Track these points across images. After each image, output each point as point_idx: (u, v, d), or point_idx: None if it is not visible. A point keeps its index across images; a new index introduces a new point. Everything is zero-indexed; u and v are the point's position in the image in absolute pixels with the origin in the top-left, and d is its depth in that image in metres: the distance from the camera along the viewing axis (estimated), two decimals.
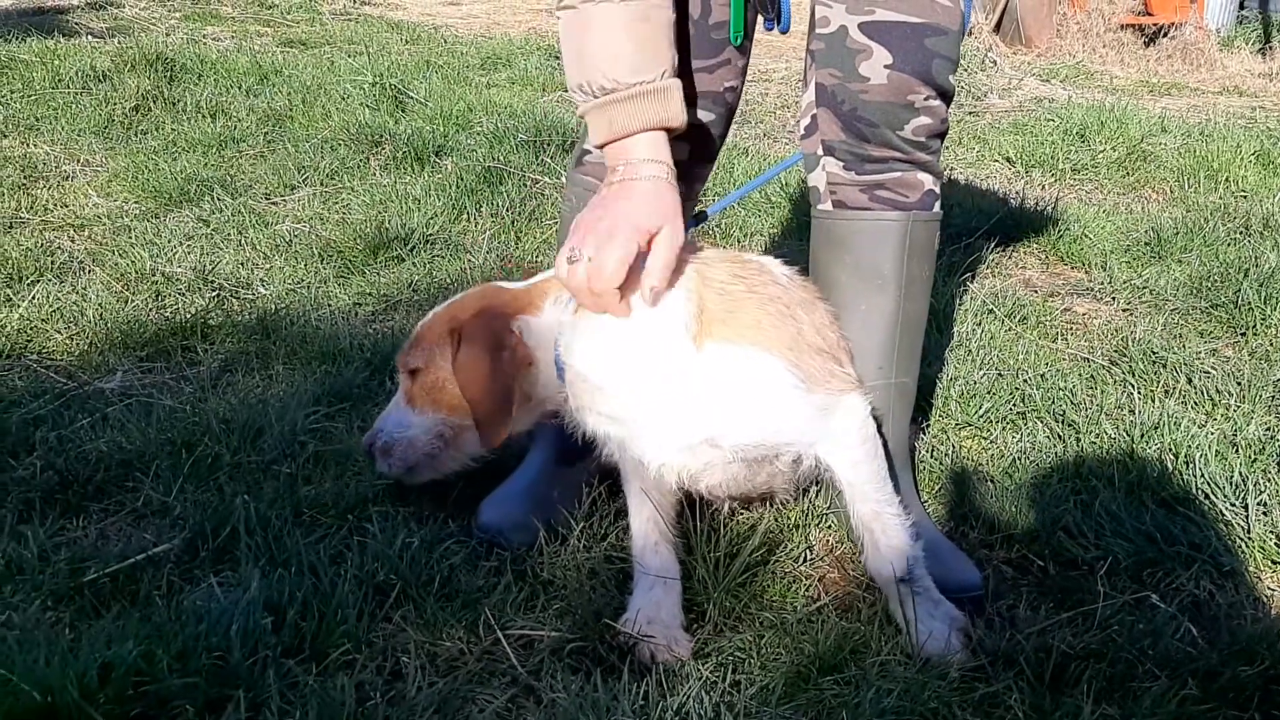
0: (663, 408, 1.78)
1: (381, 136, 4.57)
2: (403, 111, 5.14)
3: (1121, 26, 8.70)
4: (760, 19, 2.13)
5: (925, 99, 2.02)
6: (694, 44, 2.06)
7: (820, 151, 2.12)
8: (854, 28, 2.00)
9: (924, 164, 2.09)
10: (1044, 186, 4.68)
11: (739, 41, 2.08)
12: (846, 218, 2.11)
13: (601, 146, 1.86)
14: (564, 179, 2.22)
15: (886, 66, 1.99)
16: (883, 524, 1.85)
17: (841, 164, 2.09)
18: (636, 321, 1.78)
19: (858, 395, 1.89)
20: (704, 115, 2.13)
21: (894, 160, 2.06)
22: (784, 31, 2.09)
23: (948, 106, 2.08)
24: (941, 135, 2.09)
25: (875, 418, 1.94)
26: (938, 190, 2.13)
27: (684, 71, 2.06)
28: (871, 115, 2.02)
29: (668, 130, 1.85)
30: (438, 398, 1.96)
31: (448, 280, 3.24)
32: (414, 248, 3.48)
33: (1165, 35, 8.53)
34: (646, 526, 1.94)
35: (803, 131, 2.15)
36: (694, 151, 2.17)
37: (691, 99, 2.05)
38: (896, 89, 2.00)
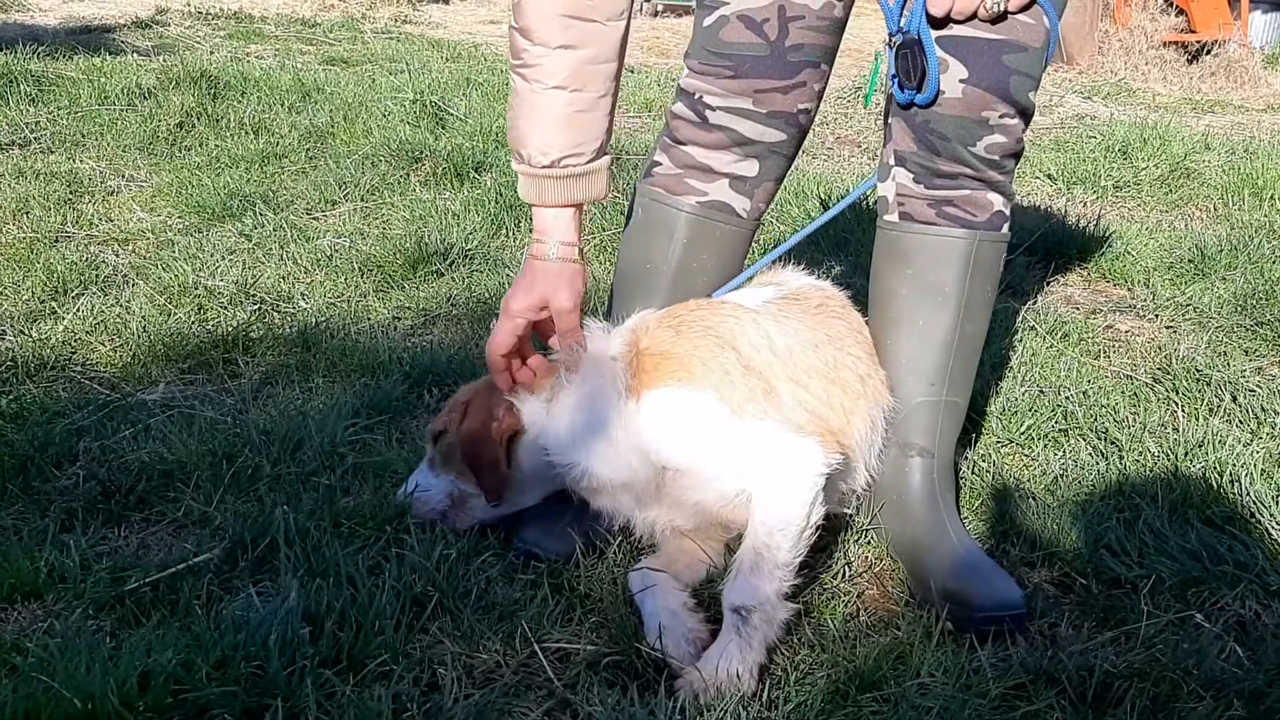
0: (622, 464, 1.91)
1: (422, 153, 4.60)
2: (443, 128, 5.18)
3: (1164, 44, 8.64)
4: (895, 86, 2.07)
5: (1001, 116, 2.00)
6: (770, 65, 2.07)
7: (892, 161, 2.12)
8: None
9: (995, 184, 2.08)
10: (1085, 204, 4.64)
11: (869, 105, 2.08)
12: (912, 231, 2.11)
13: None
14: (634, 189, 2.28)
15: (961, 81, 1.98)
16: (759, 565, 1.79)
17: (911, 176, 2.09)
18: (585, 400, 1.94)
19: (814, 443, 1.86)
20: (776, 135, 2.14)
21: (965, 177, 2.05)
22: (929, 100, 2.02)
23: (1026, 126, 2.05)
24: (1016, 155, 2.07)
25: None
26: (1008, 212, 2.12)
27: (757, 90, 2.08)
28: (944, 129, 2.01)
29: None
30: (450, 462, 2.07)
31: (486, 295, 3.26)
32: (453, 263, 3.50)
33: (1208, 53, 8.47)
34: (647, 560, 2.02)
35: (883, 140, 2.16)
36: (763, 170, 2.17)
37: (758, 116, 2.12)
38: (971, 104, 1.99)
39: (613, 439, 1.91)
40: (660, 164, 2.23)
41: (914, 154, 2.08)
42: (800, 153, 2.31)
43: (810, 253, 3.56)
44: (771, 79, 2.09)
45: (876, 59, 2.03)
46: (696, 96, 2.14)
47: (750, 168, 2.17)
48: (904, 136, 2.09)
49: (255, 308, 3.12)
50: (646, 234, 2.23)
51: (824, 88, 2.19)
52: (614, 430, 1.91)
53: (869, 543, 2.12)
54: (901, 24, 2.01)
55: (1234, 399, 2.71)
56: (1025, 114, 2.04)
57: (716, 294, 2.19)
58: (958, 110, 2.00)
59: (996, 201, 2.10)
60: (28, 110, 5.05)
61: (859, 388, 2.02)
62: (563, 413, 1.96)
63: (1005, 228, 2.13)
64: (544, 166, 1.95)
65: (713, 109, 2.12)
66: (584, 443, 1.92)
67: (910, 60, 2.00)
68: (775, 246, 3.40)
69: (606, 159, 2.00)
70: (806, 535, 1.83)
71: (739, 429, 1.85)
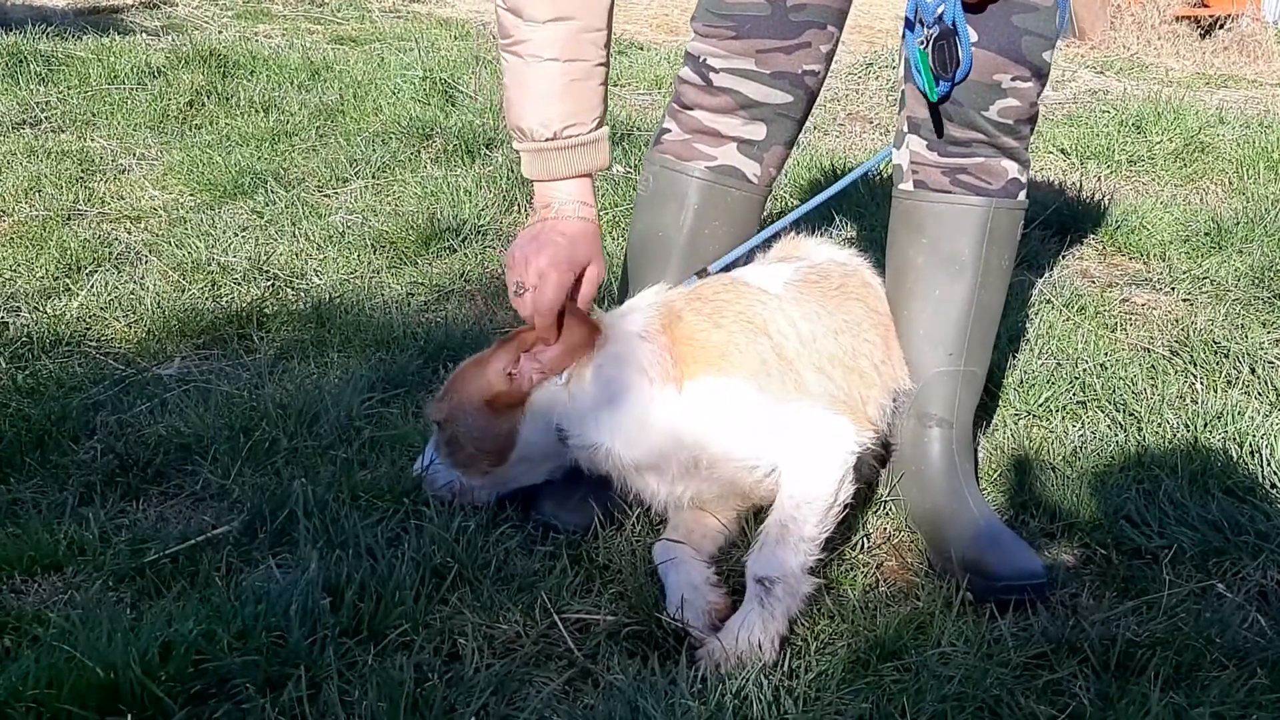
0: (652, 448, 1.90)
1: (432, 130, 4.58)
2: (453, 105, 5.15)
3: (1177, 18, 8.57)
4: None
5: (1013, 79, 1.98)
6: (771, 24, 2.05)
7: (906, 128, 2.10)
8: None
9: (1010, 150, 2.06)
10: (1100, 178, 4.61)
11: (935, 98, 2.03)
12: (927, 199, 2.09)
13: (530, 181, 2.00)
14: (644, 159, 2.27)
15: (972, 45, 1.96)
16: (784, 537, 1.80)
17: (925, 143, 2.08)
18: (612, 380, 1.91)
19: (847, 421, 1.87)
20: (781, 97, 2.12)
21: (978, 143, 2.04)
22: (962, 77, 2.00)
23: (1041, 89, 2.03)
24: (1031, 120, 2.05)
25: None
26: (1024, 179, 2.10)
27: (759, 50, 2.06)
28: (956, 94, 2.00)
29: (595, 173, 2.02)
30: (454, 454, 2.03)
31: (499, 271, 3.24)
32: (465, 238, 3.49)
33: (1222, 27, 8.39)
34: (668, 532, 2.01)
35: (898, 108, 2.16)
36: (770, 134, 2.16)
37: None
38: (982, 68, 1.97)
39: (646, 423, 1.89)
40: (669, 130, 2.22)
41: (927, 120, 2.07)
42: (812, 128, 2.30)
43: (824, 227, 3.54)
44: (773, 39, 2.07)
45: (921, 54, 1.99)
46: (701, 59, 2.13)
47: (757, 131, 2.15)
48: (917, 103, 2.08)
49: (268, 284, 3.11)
50: (657, 202, 2.22)
51: (832, 50, 2.17)
52: (648, 415, 1.88)
53: (887, 514, 2.12)
54: (939, 14, 1.96)
55: (1253, 371, 2.70)
56: (1039, 75, 2.02)
57: (727, 257, 2.17)
58: (969, 74, 1.98)
59: (1012, 168, 2.09)
60: (38, 90, 5.04)
61: (874, 376, 2.02)
62: (586, 392, 1.93)
63: (1022, 195, 2.11)
64: (547, 139, 1.93)
65: (716, 71, 2.11)
66: (611, 424, 1.90)
67: (947, 51, 1.97)
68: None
69: (606, 129, 1.99)
70: (834, 512, 1.83)
71: (774, 415, 1.85)
